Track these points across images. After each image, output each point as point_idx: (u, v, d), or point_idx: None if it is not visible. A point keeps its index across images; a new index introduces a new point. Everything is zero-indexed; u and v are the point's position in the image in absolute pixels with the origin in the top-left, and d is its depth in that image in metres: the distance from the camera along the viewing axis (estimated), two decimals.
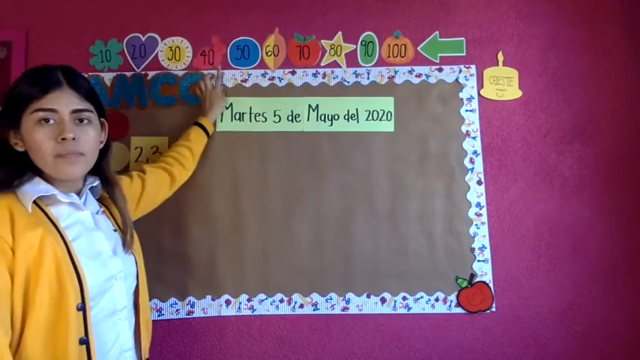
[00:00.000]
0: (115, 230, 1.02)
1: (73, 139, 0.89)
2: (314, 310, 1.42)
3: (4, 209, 0.84)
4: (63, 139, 0.88)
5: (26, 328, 0.81)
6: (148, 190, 1.20)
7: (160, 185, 1.26)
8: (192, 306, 1.41)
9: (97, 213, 1.00)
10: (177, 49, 1.51)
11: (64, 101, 0.90)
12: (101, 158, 1.00)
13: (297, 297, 1.43)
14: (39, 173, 0.92)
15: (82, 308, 0.85)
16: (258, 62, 1.51)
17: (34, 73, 0.91)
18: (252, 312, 1.42)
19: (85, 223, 0.94)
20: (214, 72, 1.49)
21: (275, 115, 1.49)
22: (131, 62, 1.50)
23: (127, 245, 1.00)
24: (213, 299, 1.42)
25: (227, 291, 1.42)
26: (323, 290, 1.43)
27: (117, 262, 0.96)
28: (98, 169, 1.01)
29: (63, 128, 0.88)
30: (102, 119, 1.00)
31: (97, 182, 1.01)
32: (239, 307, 1.42)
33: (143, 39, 1.52)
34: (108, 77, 1.49)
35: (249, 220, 1.44)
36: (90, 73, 1.49)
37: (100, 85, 1.48)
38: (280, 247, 1.44)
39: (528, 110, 1.49)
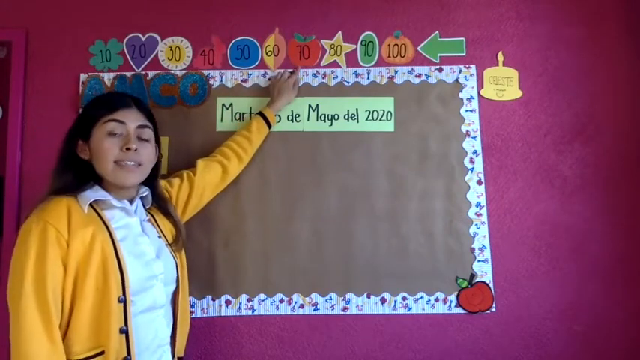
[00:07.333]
0: (160, 237, 1.12)
1: (135, 150, 1.03)
2: (314, 310, 1.42)
3: (64, 208, 0.96)
4: (127, 148, 1.02)
5: (74, 315, 0.93)
6: (197, 190, 1.28)
7: (210, 183, 1.32)
8: (192, 306, 1.41)
9: (144, 220, 1.11)
10: (177, 49, 1.51)
11: (132, 117, 1.06)
12: (153, 175, 1.13)
13: (297, 297, 1.43)
14: (99, 183, 1.05)
15: (123, 301, 0.96)
16: (258, 62, 1.51)
17: (105, 96, 1.11)
18: (252, 312, 1.42)
19: (132, 228, 1.06)
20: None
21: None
22: (131, 62, 1.50)
23: (177, 250, 1.14)
24: (213, 299, 1.42)
25: (227, 291, 1.42)
26: (323, 290, 1.43)
27: (159, 264, 1.06)
28: (150, 185, 1.14)
29: (128, 140, 1.04)
30: (156, 142, 1.13)
31: (147, 192, 1.13)
32: (239, 307, 1.42)
33: (143, 39, 1.52)
34: (108, 77, 1.49)
35: (249, 220, 1.44)
36: (90, 73, 1.49)
37: (100, 85, 1.48)
38: (280, 247, 1.44)
39: (528, 110, 1.49)
